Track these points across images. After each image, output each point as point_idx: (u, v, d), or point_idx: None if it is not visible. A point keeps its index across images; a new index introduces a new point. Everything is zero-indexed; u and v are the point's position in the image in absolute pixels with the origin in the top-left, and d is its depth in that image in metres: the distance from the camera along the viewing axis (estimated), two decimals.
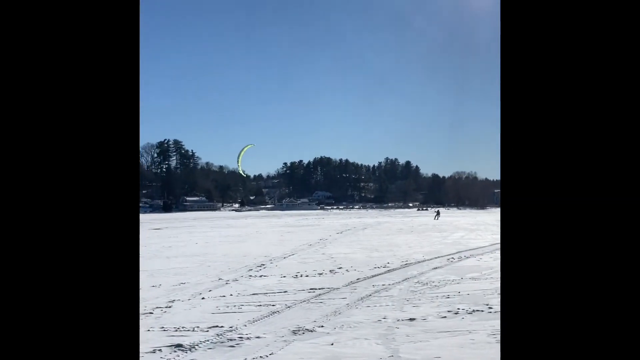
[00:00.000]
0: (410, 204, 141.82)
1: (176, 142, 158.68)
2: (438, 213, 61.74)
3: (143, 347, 6.49)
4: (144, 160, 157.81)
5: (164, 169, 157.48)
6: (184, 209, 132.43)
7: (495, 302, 8.81)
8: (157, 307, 9.10)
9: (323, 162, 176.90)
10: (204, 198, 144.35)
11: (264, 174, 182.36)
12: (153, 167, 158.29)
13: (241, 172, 55.98)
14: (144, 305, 9.28)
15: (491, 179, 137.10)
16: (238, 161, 47.94)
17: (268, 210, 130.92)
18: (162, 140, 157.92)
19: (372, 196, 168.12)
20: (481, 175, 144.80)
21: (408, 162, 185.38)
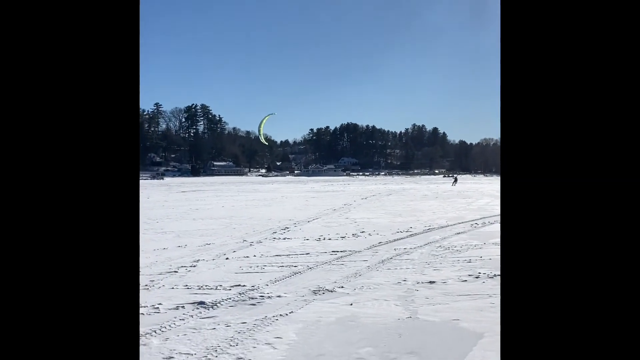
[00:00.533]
0: (437, 171, 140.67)
1: (204, 106, 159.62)
2: (455, 180, 61.03)
3: (166, 304, 6.68)
4: (172, 124, 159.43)
5: (192, 134, 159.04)
6: (211, 173, 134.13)
7: None
8: (181, 267, 9.31)
9: (350, 129, 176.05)
10: (231, 163, 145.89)
11: (291, 140, 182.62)
12: (181, 131, 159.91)
13: (263, 140, 56.80)
14: (169, 265, 9.52)
15: None
16: (259, 130, 48.64)
17: (294, 176, 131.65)
18: (190, 104, 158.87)
19: (398, 163, 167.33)
20: None
21: (435, 129, 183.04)
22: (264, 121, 48.80)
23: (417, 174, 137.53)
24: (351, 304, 6.71)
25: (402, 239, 12.91)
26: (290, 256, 10.42)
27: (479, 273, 8.58)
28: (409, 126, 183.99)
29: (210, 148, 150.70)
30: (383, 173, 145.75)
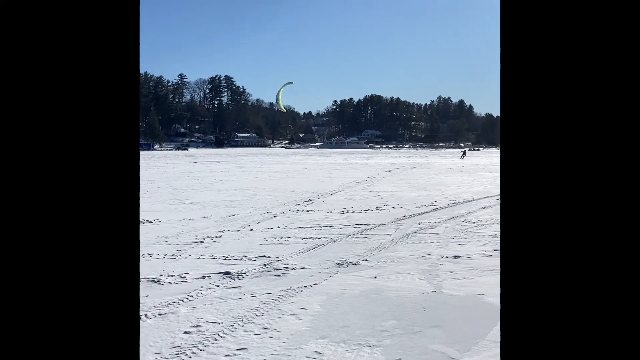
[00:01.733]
0: (462, 144, 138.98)
1: (227, 78, 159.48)
2: (464, 153, 59.77)
3: (193, 274, 6.80)
4: (196, 95, 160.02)
5: (216, 105, 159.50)
6: (235, 144, 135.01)
7: None
8: (207, 237, 9.45)
9: (374, 100, 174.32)
10: (254, 134, 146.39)
11: (314, 112, 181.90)
12: (205, 102, 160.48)
13: (282, 108, 56.94)
14: (195, 235, 9.66)
15: None
16: (278, 99, 48.75)
17: (317, 148, 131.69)
18: (214, 76, 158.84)
19: (423, 135, 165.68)
20: None
21: (461, 101, 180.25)
22: (282, 89, 48.92)
23: (442, 147, 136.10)
24: (375, 277, 6.73)
25: (426, 212, 12.84)
26: (314, 228, 10.47)
27: None
28: (435, 98, 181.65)
29: (233, 119, 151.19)
30: (407, 146, 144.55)
